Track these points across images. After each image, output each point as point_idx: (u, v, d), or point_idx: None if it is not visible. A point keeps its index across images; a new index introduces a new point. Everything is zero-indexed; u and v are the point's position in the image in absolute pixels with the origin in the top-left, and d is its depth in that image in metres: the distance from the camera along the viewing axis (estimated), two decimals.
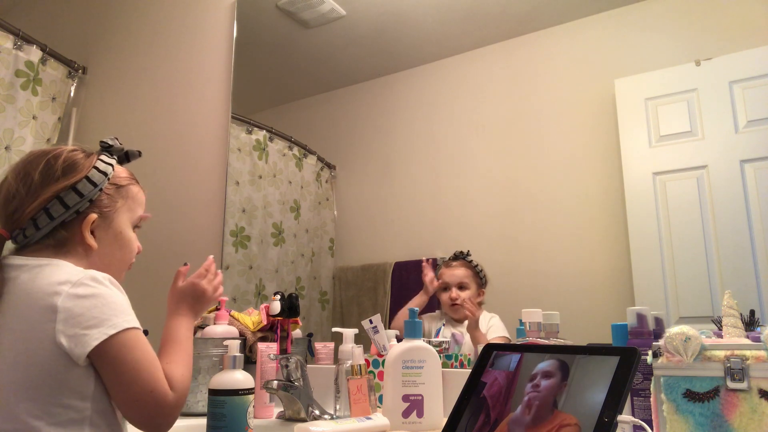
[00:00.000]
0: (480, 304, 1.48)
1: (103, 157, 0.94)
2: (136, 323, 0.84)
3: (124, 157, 0.99)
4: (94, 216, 0.90)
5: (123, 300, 0.85)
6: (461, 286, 1.49)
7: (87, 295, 0.80)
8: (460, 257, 1.51)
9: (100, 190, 0.91)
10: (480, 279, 1.49)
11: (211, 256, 1.08)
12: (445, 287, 1.51)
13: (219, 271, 1.08)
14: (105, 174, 0.92)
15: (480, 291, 1.49)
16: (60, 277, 0.82)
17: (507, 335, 1.40)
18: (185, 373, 0.88)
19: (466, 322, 1.47)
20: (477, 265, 1.49)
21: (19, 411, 0.76)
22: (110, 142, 0.97)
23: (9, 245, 0.90)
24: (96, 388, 0.80)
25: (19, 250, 0.89)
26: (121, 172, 0.97)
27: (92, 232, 0.91)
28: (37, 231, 0.87)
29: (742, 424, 0.73)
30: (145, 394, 0.81)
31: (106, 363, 0.80)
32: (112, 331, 0.79)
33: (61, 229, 0.88)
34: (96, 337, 0.78)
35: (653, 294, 1.25)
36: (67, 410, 0.78)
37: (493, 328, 1.43)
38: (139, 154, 1.00)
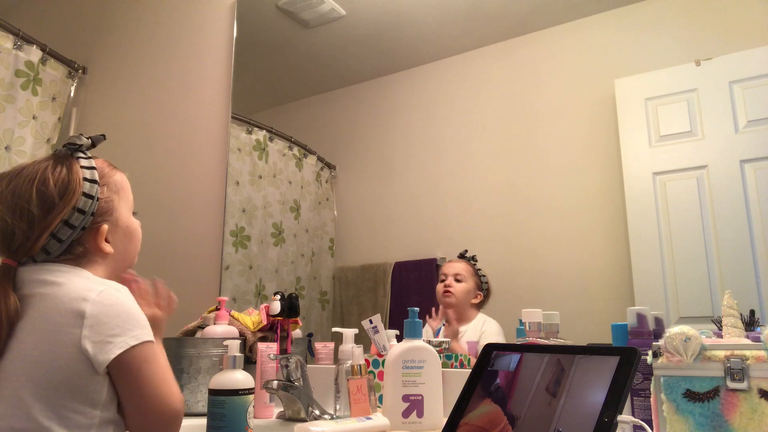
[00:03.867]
0: (477, 306, 1.48)
1: (82, 162, 0.91)
2: (153, 337, 0.86)
3: (91, 146, 0.96)
4: (105, 226, 0.91)
5: (141, 313, 0.86)
6: (457, 278, 1.50)
7: (112, 304, 0.82)
8: (464, 257, 1.51)
9: (98, 199, 0.90)
10: (480, 281, 1.49)
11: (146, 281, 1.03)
12: (443, 279, 1.52)
13: (161, 284, 1.04)
14: (95, 181, 0.91)
15: (477, 293, 1.48)
16: (86, 284, 0.84)
17: (502, 340, 1.39)
18: (178, 389, 0.91)
19: (461, 329, 1.47)
20: (480, 269, 1.49)
21: (34, 410, 0.77)
22: (78, 141, 0.93)
23: None
24: (106, 397, 0.82)
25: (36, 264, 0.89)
26: (100, 167, 0.94)
27: (105, 239, 0.92)
28: (49, 255, 0.88)
29: (742, 424, 0.73)
30: (163, 407, 0.84)
31: (127, 373, 0.82)
32: (134, 342, 0.82)
33: (76, 245, 0.89)
34: (120, 346, 0.80)
35: (653, 294, 1.25)
36: (78, 415, 0.79)
37: (486, 334, 1.43)
38: (104, 137, 0.97)
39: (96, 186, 0.91)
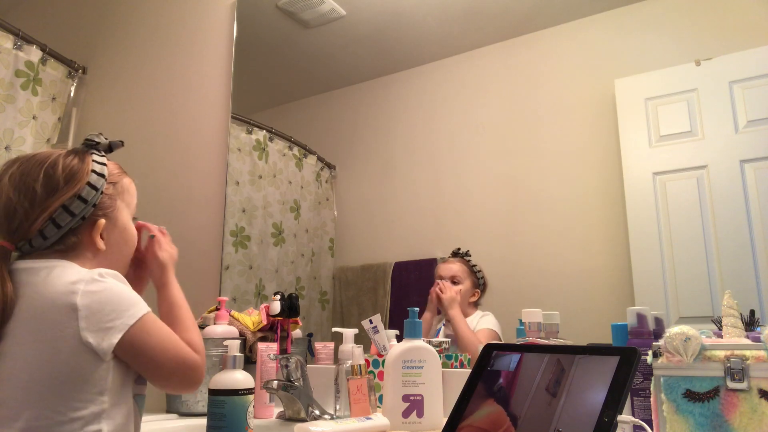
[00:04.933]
0: (475, 304, 1.48)
1: (95, 157, 0.94)
2: (147, 307, 0.87)
3: (108, 149, 0.98)
4: (103, 221, 0.92)
5: (130, 289, 0.88)
6: (454, 280, 1.49)
7: (101, 291, 0.83)
8: (458, 254, 1.51)
9: (102, 192, 0.92)
10: (476, 278, 1.49)
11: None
12: (439, 280, 1.52)
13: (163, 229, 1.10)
14: (102, 176, 0.93)
15: (475, 291, 1.49)
16: (72, 276, 0.84)
17: (497, 330, 1.41)
18: (199, 335, 0.95)
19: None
20: (475, 265, 1.49)
21: (43, 407, 0.78)
22: (96, 139, 0.96)
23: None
24: (112, 381, 0.83)
25: (26, 256, 0.89)
26: (111, 167, 0.97)
27: (101, 235, 0.92)
28: (45, 240, 0.88)
29: (742, 424, 0.73)
30: (178, 365, 0.88)
31: (135, 351, 0.84)
32: (132, 321, 0.83)
33: (70, 235, 0.90)
34: (120, 329, 0.82)
35: (653, 294, 1.25)
36: (88, 404, 0.80)
37: (484, 320, 1.44)
38: (122, 143, 0.99)
39: (103, 180, 0.92)
